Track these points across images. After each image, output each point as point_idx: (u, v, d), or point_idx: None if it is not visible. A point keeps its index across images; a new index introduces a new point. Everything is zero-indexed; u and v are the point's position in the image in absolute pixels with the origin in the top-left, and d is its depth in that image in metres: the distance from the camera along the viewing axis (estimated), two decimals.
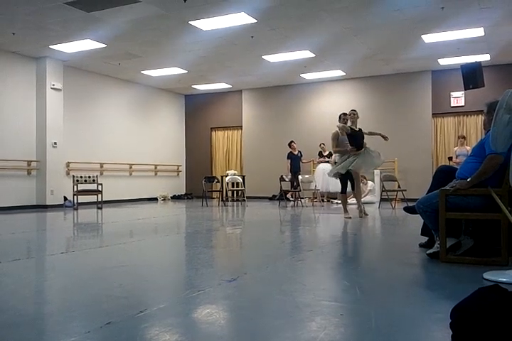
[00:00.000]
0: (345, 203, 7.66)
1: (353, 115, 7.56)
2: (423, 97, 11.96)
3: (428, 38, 9.09)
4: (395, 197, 10.12)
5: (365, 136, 7.65)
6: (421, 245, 4.20)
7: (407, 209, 4.21)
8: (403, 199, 9.91)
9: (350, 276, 3.17)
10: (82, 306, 2.42)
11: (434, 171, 4.28)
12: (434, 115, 11.95)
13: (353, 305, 2.41)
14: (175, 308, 2.39)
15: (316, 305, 2.39)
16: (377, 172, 10.97)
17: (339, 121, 7.59)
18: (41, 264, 3.82)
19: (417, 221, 4.43)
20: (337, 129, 7.51)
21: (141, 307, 2.35)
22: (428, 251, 3.72)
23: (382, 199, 9.99)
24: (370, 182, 11.20)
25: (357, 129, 7.56)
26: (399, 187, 10.12)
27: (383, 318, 2.16)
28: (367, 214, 7.64)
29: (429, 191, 3.90)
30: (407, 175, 11.69)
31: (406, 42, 9.39)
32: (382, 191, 9.84)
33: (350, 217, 7.25)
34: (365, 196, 11.03)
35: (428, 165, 11.69)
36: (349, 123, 7.56)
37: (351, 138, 7.35)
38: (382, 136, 7.94)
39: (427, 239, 4.14)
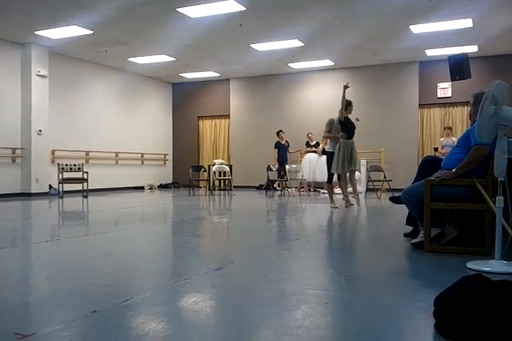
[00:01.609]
0: (331, 193, 7.72)
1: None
2: (410, 88, 12.00)
3: (416, 29, 9.09)
4: (380, 187, 10.19)
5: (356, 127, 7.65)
6: (406, 235, 4.24)
7: (392, 199, 4.24)
8: (389, 190, 9.99)
9: (335, 265, 3.19)
10: (68, 294, 2.41)
11: (420, 161, 4.32)
12: (421, 106, 12.01)
13: (339, 294, 2.43)
14: (161, 297, 2.39)
15: (302, 293, 2.40)
16: (363, 162, 11.01)
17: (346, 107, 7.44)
18: (26, 252, 3.79)
19: (402, 211, 4.48)
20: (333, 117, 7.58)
21: (127, 295, 2.35)
22: (412, 241, 3.76)
23: (368, 189, 10.05)
24: (356, 172, 11.23)
25: (349, 118, 7.56)
26: (385, 177, 10.19)
27: (368, 307, 2.19)
28: (352, 204, 7.67)
29: (414, 181, 3.93)
30: (393, 165, 11.77)
31: (394, 32, 9.39)
32: (368, 181, 9.90)
33: (337, 207, 7.30)
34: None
35: (414, 156, 11.78)
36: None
37: (343, 126, 7.33)
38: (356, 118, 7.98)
39: (411, 228, 4.18)
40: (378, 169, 10.22)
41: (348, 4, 7.78)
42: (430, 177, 3.54)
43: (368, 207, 7.92)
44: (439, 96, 11.78)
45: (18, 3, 7.65)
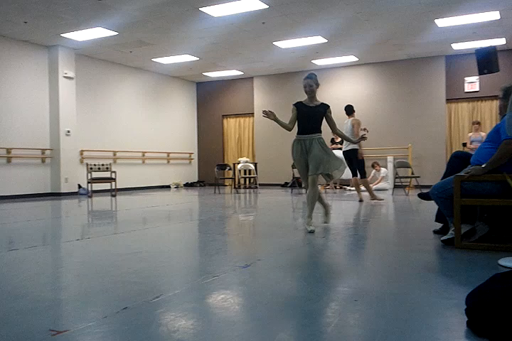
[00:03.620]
0: (370, 188, 8.32)
1: (308, 84, 4.84)
2: (437, 83, 11.81)
3: (441, 22, 8.93)
4: (408, 183, 10.06)
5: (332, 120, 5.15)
6: (435, 231, 4.18)
7: (421, 196, 4.19)
8: (417, 186, 9.85)
9: (363, 262, 3.16)
10: (99, 292, 2.45)
11: (449, 157, 4.25)
12: (448, 101, 11.81)
13: (367, 291, 2.41)
14: (190, 294, 2.41)
15: (331, 291, 2.39)
16: (390, 158, 10.90)
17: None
18: (57, 251, 3.87)
19: (431, 207, 4.41)
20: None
21: (157, 292, 2.38)
22: (442, 238, 3.71)
23: (395, 186, 9.94)
24: (383, 169, 11.14)
25: (312, 105, 4.92)
26: (412, 173, 10.06)
27: (397, 304, 2.16)
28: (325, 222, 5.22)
29: (443, 177, 3.87)
30: (421, 161, 11.60)
31: (419, 26, 9.25)
32: (396, 178, 9.79)
33: (383, 199, 7.93)
34: (378, 183, 10.99)
35: (442, 152, 11.59)
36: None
37: (299, 118, 4.89)
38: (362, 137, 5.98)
39: (441, 225, 4.12)
40: (406, 165, 10.09)
41: None
42: (460, 173, 3.49)
43: (396, 204, 7.82)
44: (466, 90, 11.57)
45: (44, 6, 7.80)
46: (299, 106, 4.90)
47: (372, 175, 11.27)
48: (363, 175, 8.24)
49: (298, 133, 4.91)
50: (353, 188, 11.17)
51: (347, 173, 11.20)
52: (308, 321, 1.93)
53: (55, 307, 2.24)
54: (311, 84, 4.81)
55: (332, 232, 4.60)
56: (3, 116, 9.59)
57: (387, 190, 10.73)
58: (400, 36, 9.99)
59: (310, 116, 4.84)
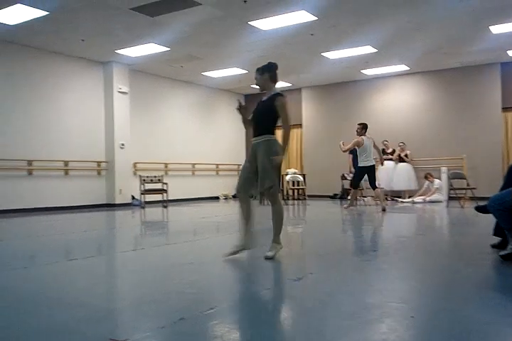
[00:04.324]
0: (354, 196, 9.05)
1: (256, 75, 4.04)
2: (492, 91, 11.42)
3: (496, 29, 8.66)
4: (463, 195, 9.74)
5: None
6: (493, 246, 4.02)
7: (478, 209, 4.05)
8: (472, 198, 9.52)
9: (418, 277, 3.09)
10: (153, 302, 2.50)
11: (507, 168, 4.09)
12: (504, 109, 11.39)
13: (423, 307, 2.35)
14: (244, 306, 2.43)
15: (385, 306, 2.35)
16: (444, 169, 10.60)
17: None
18: (113, 261, 3.99)
19: (488, 221, 4.25)
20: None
21: (211, 304, 2.41)
22: (501, 253, 3.56)
23: (450, 198, 9.65)
24: (436, 180, 10.83)
25: (263, 99, 3.99)
26: (468, 185, 9.73)
27: (454, 321, 2.10)
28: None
29: (501, 189, 3.74)
30: (477, 172, 11.19)
31: (472, 34, 9.00)
32: (450, 189, 9.51)
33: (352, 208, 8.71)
34: (431, 194, 10.72)
35: (498, 162, 11.15)
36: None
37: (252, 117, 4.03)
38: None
39: (499, 239, 3.96)
40: (460, 176, 9.77)
41: (423, 8, 7.56)
42: None
43: (451, 217, 7.60)
44: None
45: (99, 24, 8.12)
46: (257, 103, 3.99)
47: (425, 186, 10.99)
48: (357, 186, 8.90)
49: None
50: (406, 200, 10.98)
51: (407, 184, 11.30)
52: (363, 337, 1.91)
53: (112, 316, 2.32)
54: (256, 76, 3.96)
55: (384, 246, 4.52)
56: (62, 130, 10.00)
57: (441, 202, 10.43)
58: (452, 44, 9.75)
59: (257, 113, 3.88)
